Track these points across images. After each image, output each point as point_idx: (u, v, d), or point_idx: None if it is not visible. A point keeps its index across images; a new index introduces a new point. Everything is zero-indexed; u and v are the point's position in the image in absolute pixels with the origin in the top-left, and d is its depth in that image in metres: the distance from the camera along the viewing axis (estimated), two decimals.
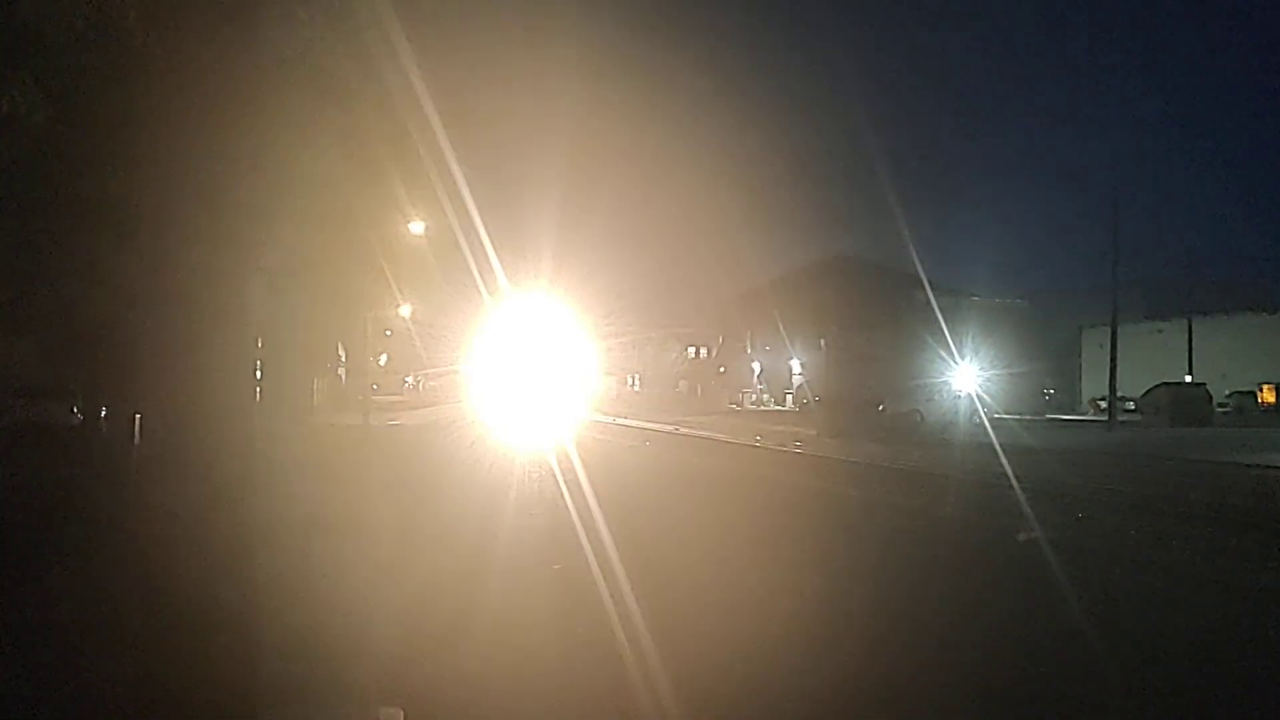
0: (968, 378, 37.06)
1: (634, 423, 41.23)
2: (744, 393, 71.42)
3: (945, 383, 35.39)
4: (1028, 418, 43.40)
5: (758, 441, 27.87)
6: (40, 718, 4.89)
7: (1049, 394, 59.71)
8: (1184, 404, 40.34)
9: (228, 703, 3.20)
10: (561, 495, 13.07)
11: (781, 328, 59.77)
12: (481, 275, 25.22)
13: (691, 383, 74.27)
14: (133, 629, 3.80)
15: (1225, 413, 45.05)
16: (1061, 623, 6.62)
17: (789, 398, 61.36)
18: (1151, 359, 55.23)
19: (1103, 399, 45.59)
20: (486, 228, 20.86)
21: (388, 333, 42.79)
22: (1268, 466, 18.74)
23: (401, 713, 4.73)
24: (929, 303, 42.03)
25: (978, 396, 36.15)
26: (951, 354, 36.96)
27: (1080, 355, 65.29)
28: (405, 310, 33.02)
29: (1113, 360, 40.60)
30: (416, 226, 21.11)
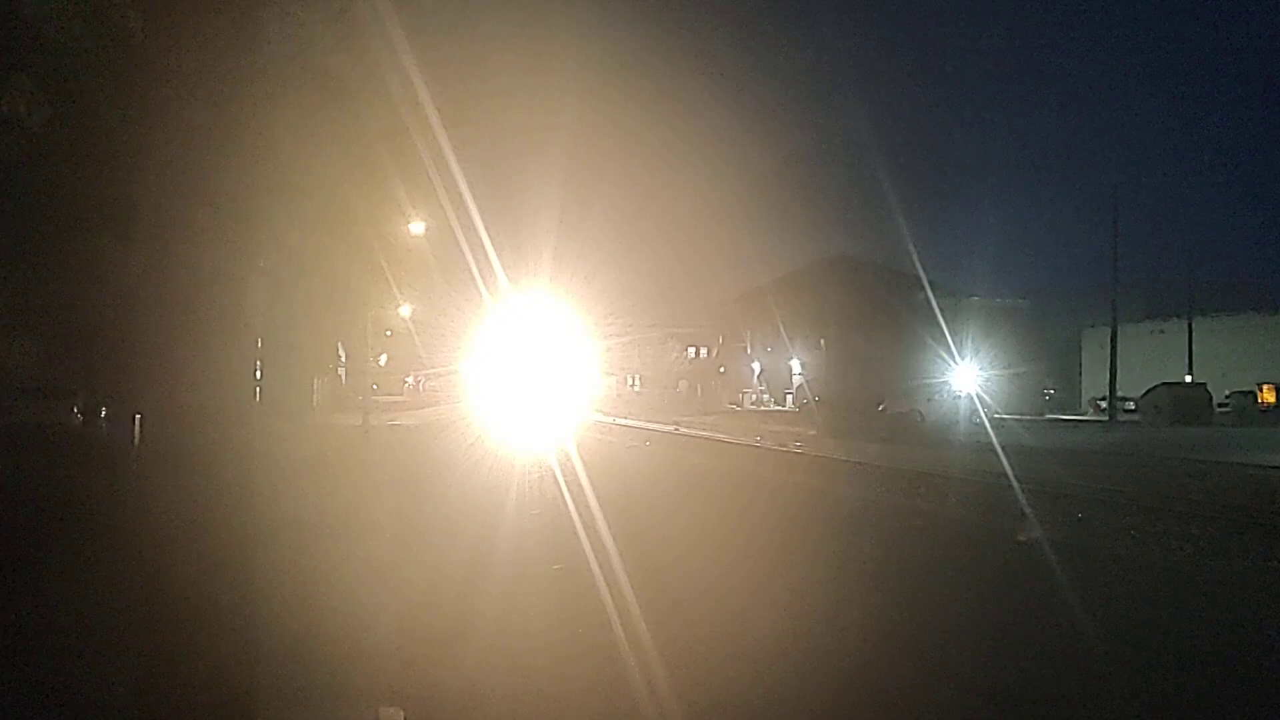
0: (968, 378, 37.07)
1: (634, 423, 41.22)
2: (744, 393, 71.37)
3: (945, 383, 35.40)
4: (1028, 418, 43.38)
5: (758, 441, 27.86)
6: (40, 718, 4.89)
7: (1049, 394, 59.66)
8: (1184, 404, 40.32)
9: (227, 703, 3.20)
10: (562, 495, 13.06)
11: (781, 328, 59.72)
12: (481, 275, 25.23)
13: (691, 383, 74.22)
14: (132, 630, 3.80)
15: (1225, 413, 44.98)
16: (1062, 623, 6.61)
17: (789, 398, 61.31)
18: (1151, 359, 55.22)
19: (1103, 399, 45.59)
20: (486, 227, 20.88)
21: (388, 333, 42.74)
22: (1268, 466, 18.73)
23: (401, 713, 4.73)
24: (929, 303, 42.01)
25: (978, 396, 36.15)
26: (951, 354, 36.99)
27: (1080, 355, 65.27)
28: (405, 310, 33.01)
29: (1113, 360, 40.63)
30: (416, 226, 21.10)
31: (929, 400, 34.34)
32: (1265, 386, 51.10)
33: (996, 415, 37.07)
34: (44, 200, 10.13)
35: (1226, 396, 46.68)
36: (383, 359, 56.30)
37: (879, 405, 32.84)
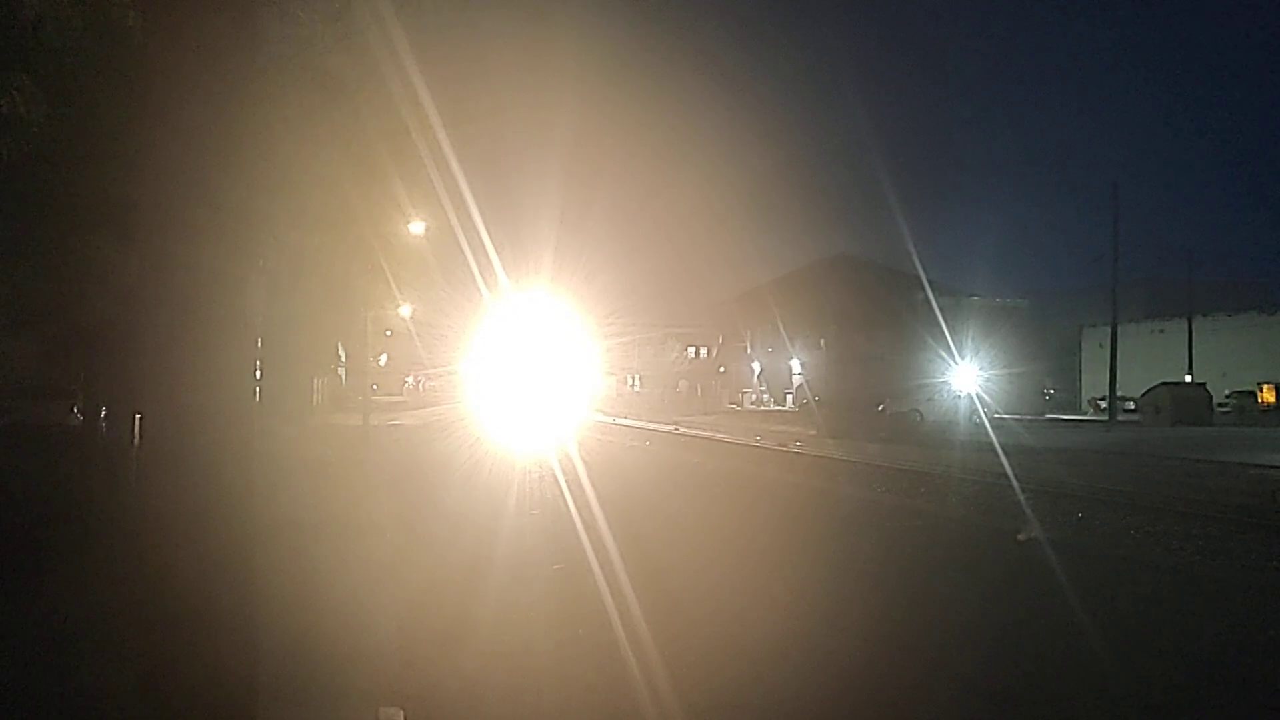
0: (968, 378, 37.08)
1: (634, 422, 41.23)
2: (744, 393, 71.37)
3: (945, 383, 35.41)
4: (1028, 417, 43.38)
5: (758, 441, 27.86)
6: (40, 718, 4.89)
7: (1049, 394, 59.68)
8: (1184, 404, 40.32)
9: (227, 704, 3.19)
10: (562, 495, 13.06)
11: (781, 328, 59.72)
12: (482, 275, 25.20)
13: (691, 383, 74.22)
14: (132, 629, 3.79)
15: (1225, 412, 45.02)
16: (1062, 623, 6.61)
17: (789, 398, 61.29)
18: (1151, 359, 55.24)
19: (1103, 399, 45.61)
20: (487, 227, 20.86)
21: (388, 333, 42.74)
22: (1268, 466, 18.73)
23: (401, 713, 4.73)
24: (929, 303, 42.03)
25: (978, 396, 36.17)
26: (951, 354, 37.00)
27: (1080, 355, 65.30)
28: (405, 310, 32.97)
29: (1113, 360, 40.62)
30: (416, 226, 21.07)
31: (929, 400, 34.36)
32: (1265, 386, 51.11)
33: (996, 415, 37.09)
34: (44, 200, 10.12)
35: (1226, 396, 46.71)
36: (383, 359, 56.33)
37: (879, 405, 32.84)
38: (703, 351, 79.28)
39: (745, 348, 72.21)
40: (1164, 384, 43.02)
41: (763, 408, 64.32)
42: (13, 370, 21.93)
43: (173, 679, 3.15)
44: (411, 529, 10.81)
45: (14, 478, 12.87)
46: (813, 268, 66.05)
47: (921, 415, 33.66)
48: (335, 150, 12.06)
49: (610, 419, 44.42)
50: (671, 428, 35.68)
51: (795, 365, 60.13)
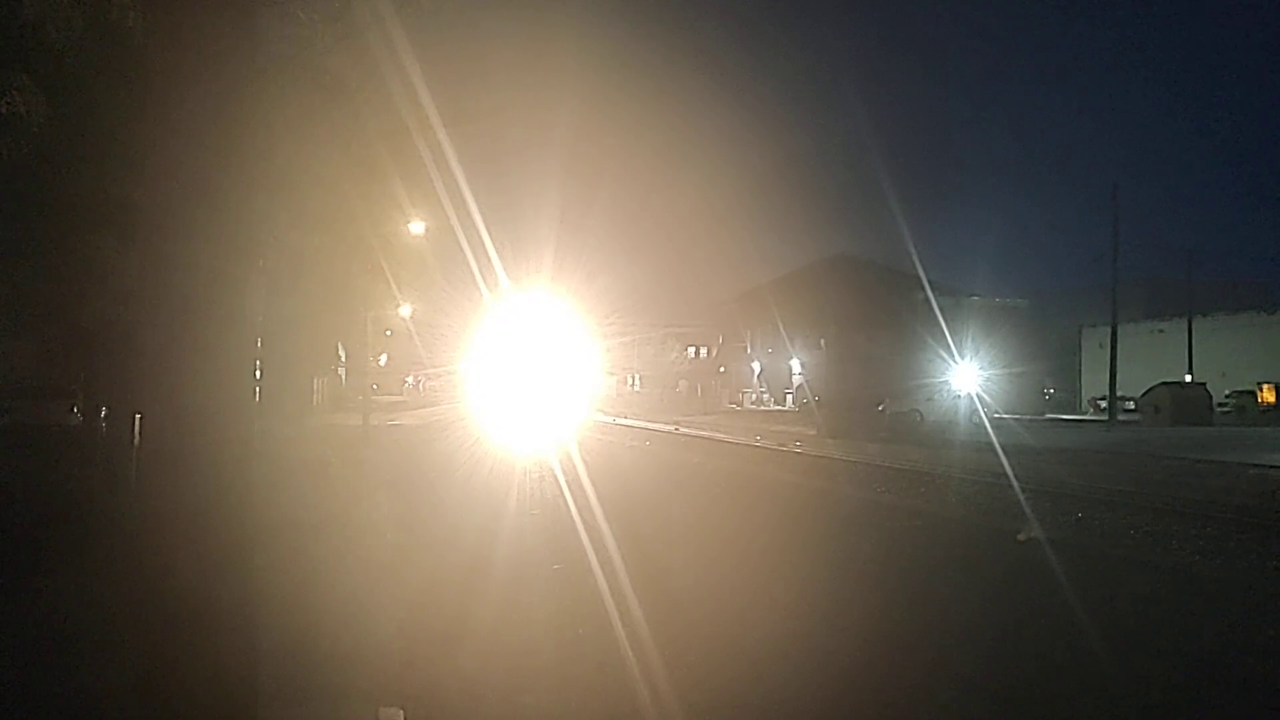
0: (968, 377, 37.10)
1: (634, 422, 41.24)
2: (744, 393, 71.38)
3: (945, 383, 35.43)
4: (1028, 417, 43.39)
5: (758, 441, 27.87)
6: (40, 718, 4.89)
7: (1049, 393, 59.71)
8: (1184, 403, 40.33)
9: (227, 704, 3.19)
10: (562, 495, 13.06)
11: (781, 328, 59.73)
12: (482, 275, 25.22)
13: (692, 383, 74.21)
14: (132, 629, 3.79)
15: (1225, 412, 45.00)
16: (1062, 623, 6.61)
17: (789, 398, 61.30)
18: (1151, 358, 55.22)
19: (1103, 398, 45.59)
20: (487, 227, 20.87)
21: (388, 333, 42.74)
22: (1268, 466, 18.73)
23: (401, 713, 4.73)
24: (929, 303, 42.04)
25: (978, 396, 36.18)
26: (951, 354, 37.01)
27: (1080, 355, 65.29)
28: (405, 310, 32.98)
29: (1113, 360, 40.62)
30: (416, 226, 21.08)
31: (929, 400, 34.38)
32: (1265, 386, 51.08)
33: (996, 415, 37.09)
34: (44, 200, 10.13)
35: (1226, 396, 46.70)
36: (383, 359, 56.32)
37: (879, 405, 32.85)
38: (703, 351, 79.29)
39: (745, 348, 72.22)
40: (1164, 384, 43.03)
41: (763, 408, 64.33)
42: (13, 370, 21.94)
43: (172, 679, 3.15)
44: (411, 529, 10.82)
45: (14, 478, 12.87)
46: (813, 268, 66.05)
47: (921, 415, 33.67)
48: (335, 150, 12.07)
49: (610, 419, 44.43)
50: (671, 427, 35.69)
51: (795, 365, 60.15)
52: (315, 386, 38.28)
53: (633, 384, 78.01)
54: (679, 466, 20.69)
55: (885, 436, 29.71)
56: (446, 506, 13.05)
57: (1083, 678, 5.48)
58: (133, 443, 9.26)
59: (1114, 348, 40.66)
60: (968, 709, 4.99)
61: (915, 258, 62.16)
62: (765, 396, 68.95)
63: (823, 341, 53.15)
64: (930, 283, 45.29)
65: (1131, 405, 44.67)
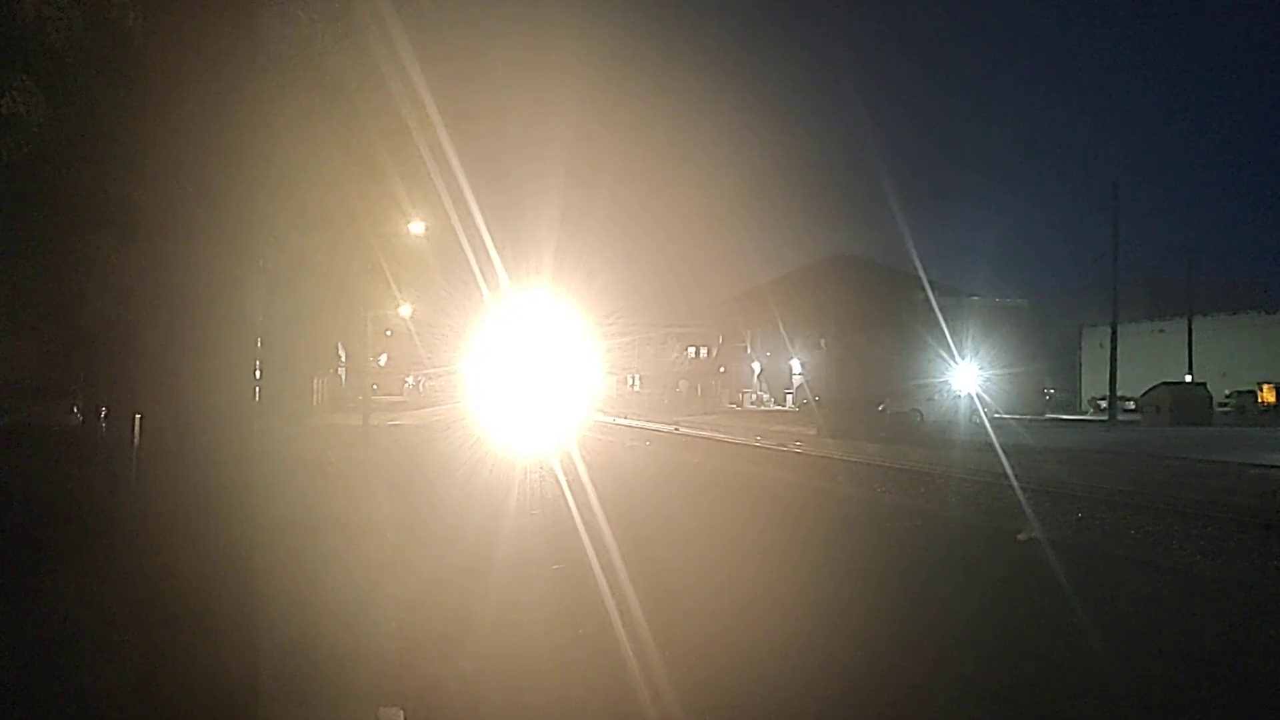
0: (968, 377, 37.09)
1: (634, 422, 41.24)
2: (744, 393, 71.39)
3: (945, 382, 35.41)
4: (1028, 417, 43.39)
5: (758, 441, 27.87)
6: (40, 718, 4.89)
7: (1049, 393, 59.69)
8: (1184, 403, 40.33)
9: (227, 704, 3.19)
10: (563, 495, 13.05)
11: (781, 328, 59.73)
12: (482, 275, 25.19)
13: (692, 383, 74.20)
14: (131, 629, 3.79)
15: (1225, 412, 44.99)
16: (1063, 623, 6.61)
17: (789, 398, 61.32)
18: (1151, 358, 55.22)
19: (1103, 398, 45.59)
20: (487, 227, 20.86)
21: (388, 333, 42.75)
22: (1268, 466, 18.73)
23: (401, 713, 4.72)
24: (929, 303, 42.06)
25: (978, 396, 36.18)
26: (951, 354, 37.00)
27: (1080, 355, 65.29)
28: (405, 310, 32.98)
29: (1113, 360, 40.61)
30: (416, 226, 21.09)
31: (929, 400, 34.38)
32: (1265, 386, 51.07)
33: (996, 415, 37.09)
34: (44, 200, 10.13)
35: (1227, 396, 46.69)
36: (383, 359, 56.33)
37: (879, 405, 32.85)
38: (703, 351, 79.29)
39: (745, 348, 72.23)
40: (1164, 384, 43.03)
41: (763, 408, 64.34)
42: (13, 370, 21.93)
43: (172, 679, 3.15)
44: (411, 529, 10.81)
45: (14, 478, 12.87)
46: (813, 268, 66.08)
47: (921, 415, 33.67)
48: (335, 150, 12.07)
49: (611, 419, 44.44)
50: (672, 428, 35.69)
51: (795, 365, 60.15)
52: (315, 386, 38.29)
53: (633, 384, 78.00)
54: (679, 466, 20.69)
55: (885, 436, 29.71)
56: (447, 506, 13.04)
57: (1083, 678, 5.47)
58: (133, 443, 9.27)
59: (1114, 348, 40.65)
60: (969, 709, 4.99)
61: (915, 258, 62.21)
62: (765, 396, 68.97)
63: (823, 341, 53.17)
64: (930, 283, 45.35)
65: (1132, 405, 44.67)
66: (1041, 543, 9.70)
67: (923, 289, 44.53)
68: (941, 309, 40.36)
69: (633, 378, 78.55)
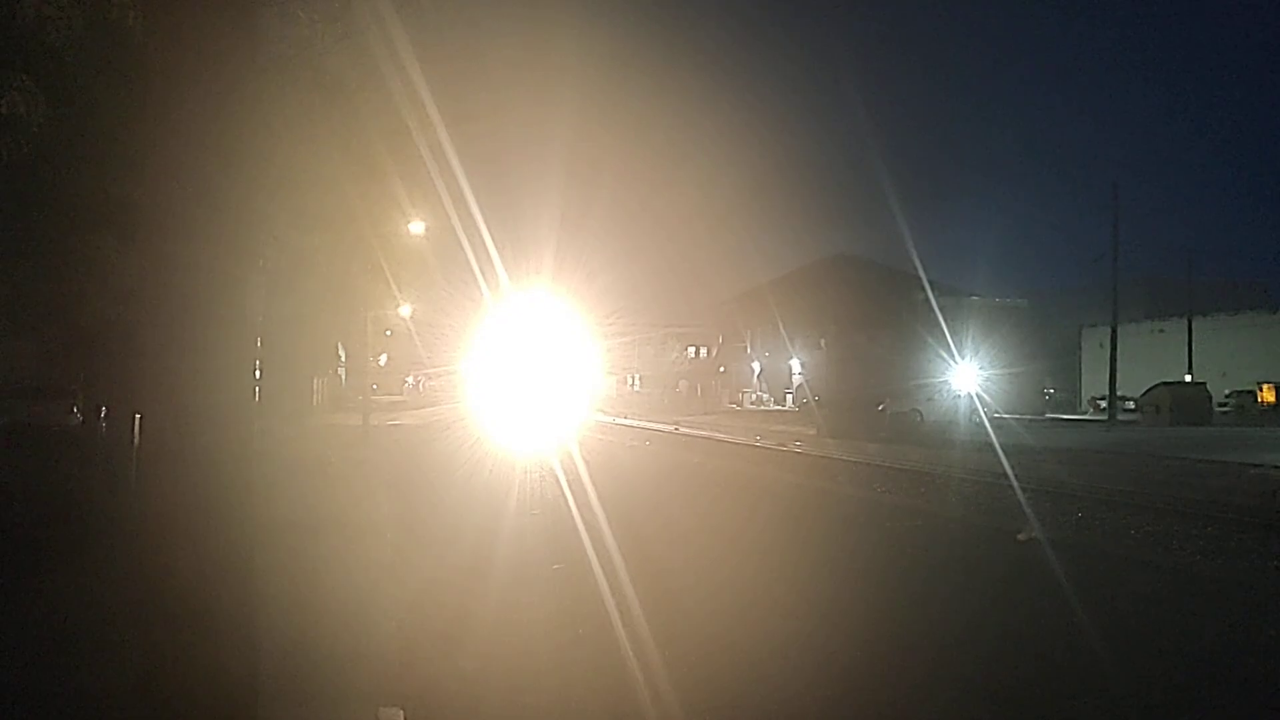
0: (968, 377, 37.08)
1: (634, 422, 41.25)
2: (744, 392, 71.41)
3: (945, 382, 35.40)
4: (1028, 417, 43.39)
5: (758, 441, 27.87)
6: (40, 718, 4.89)
7: (1049, 393, 59.71)
8: (1184, 403, 40.34)
9: (227, 704, 3.19)
10: (563, 495, 13.05)
11: (781, 328, 59.75)
12: (483, 275, 25.20)
13: (691, 382, 74.20)
14: (131, 629, 3.80)
15: (1225, 412, 45.04)
16: (1063, 623, 6.61)
17: (789, 398, 61.33)
18: (1151, 358, 55.25)
19: (1103, 398, 45.60)
20: (487, 227, 20.86)
21: (388, 333, 42.75)
22: (1268, 466, 18.72)
23: (401, 713, 4.72)
24: (929, 303, 42.07)
25: (978, 396, 36.17)
26: (951, 354, 37.00)
27: (1080, 355, 65.32)
28: (405, 310, 32.98)
29: (1113, 360, 40.61)
30: (416, 226, 21.10)
31: (929, 400, 34.37)
32: (1265, 386, 51.10)
33: (996, 415, 37.09)
34: (44, 200, 10.14)
35: (1226, 396, 46.72)
36: (383, 359, 56.33)
37: (879, 405, 32.84)
38: (703, 351, 79.29)
39: (745, 348, 72.24)
40: (1164, 384, 43.05)
41: (763, 407, 64.35)
42: (13, 370, 21.93)
43: (173, 679, 3.15)
44: (412, 529, 10.81)
45: (14, 478, 12.87)
46: (813, 268, 66.11)
47: (921, 415, 33.67)
48: (335, 150, 12.08)
49: (611, 419, 44.45)
50: (672, 427, 35.69)
51: (795, 365, 60.15)
52: (315, 386, 38.29)
53: (633, 384, 78.00)
54: (679, 466, 20.69)
55: (885, 436, 29.71)
56: (447, 506, 13.04)
57: (1083, 678, 5.47)
58: (133, 443, 9.27)
59: (1114, 348, 40.66)
60: (969, 709, 4.99)
61: (915, 258, 62.26)
62: (765, 396, 68.98)
63: (823, 341, 53.18)
64: (930, 283, 45.38)
65: (1132, 405, 44.68)
66: (1041, 543, 9.70)
67: (923, 289, 44.56)
68: (941, 309, 40.37)
69: (633, 378, 78.54)
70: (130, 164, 8.42)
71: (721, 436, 30.46)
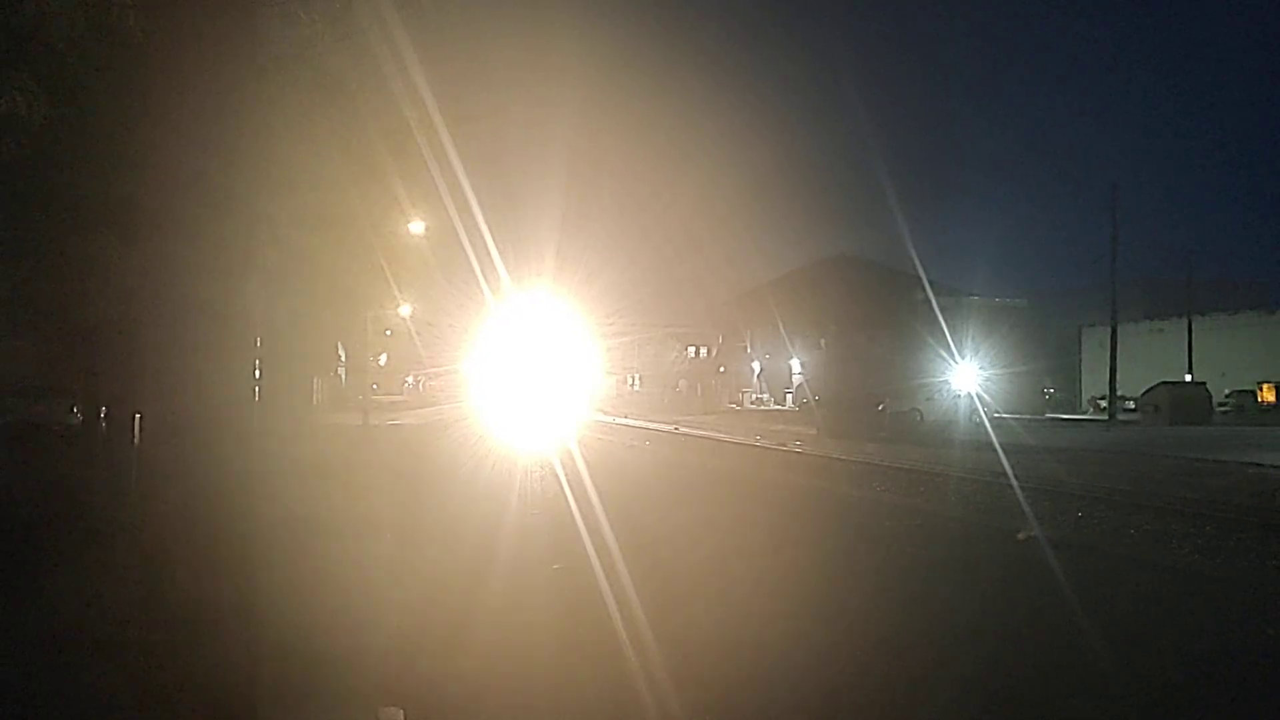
0: (967, 377, 37.08)
1: (635, 422, 41.25)
2: (744, 392, 71.42)
3: (945, 382, 35.40)
4: (1028, 417, 43.41)
5: (758, 441, 27.88)
6: (40, 719, 4.89)
7: (1049, 393, 59.74)
8: (1184, 403, 40.36)
9: (228, 704, 3.20)
10: (563, 494, 13.05)
11: (781, 328, 59.77)
12: (483, 274, 25.19)
13: (691, 382, 74.20)
14: (132, 630, 3.81)
15: (1225, 412, 45.05)
16: (1062, 622, 6.61)
17: (789, 397, 61.33)
18: (1151, 358, 55.29)
19: (1103, 398, 45.63)
20: (488, 226, 20.86)
21: (388, 333, 42.78)
22: (1267, 465, 18.73)
23: (401, 713, 4.72)
24: (929, 302, 42.08)
25: (977, 396, 36.18)
26: (951, 353, 36.99)
27: (1080, 354, 65.33)
28: (405, 310, 33.01)
29: (1113, 359, 40.65)
30: (417, 226, 21.11)
31: (929, 399, 34.37)
32: (1265, 385, 51.11)
33: (996, 414, 37.11)
34: (44, 200, 10.15)
35: (1226, 395, 46.74)
36: (383, 359, 56.33)
37: (879, 405, 32.85)
38: (703, 351, 79.28)
39: (745, 348, 72.25)
40: (1164, 383, 43.07)
41: (763, 407, 64.36)
42: (13, 370, 21.95)
43: (173, 678, 3.16)
44: (412, 529, 10.80)
45: (14, 477, 12.88)
46: (813, 268, 66.12)
47: (921, 415, 33.67)
48: (335, 150, 12.08)
49: (611, 418, 44.46)
50: (672, 427, 35.70)
51: (795, 365, 60.16)
52: (315, 386, 38.30)
53: (633, 384, 78.00)
54: (679, 466, 20.69)
55: (885, 436, 29.72)
56: (447, 506, 13.04)
57: (1083, 677, 5.48)
58: (133, 443, 9.28)
59: (1114, 347, 40.68)
60: (968, 708, 4.99)
61: (915, 258, 62.36)
62: (765, 396, 68.98)
63: (823, 341, 53.17)
64: (930, 282, 45.43)
65: (1131, 405, 44.71)
66: (1041, 542, 9.70)
67: (923, 289, 44.59)
68: (941, 309, 40.38)
69: (633, 377, 78.54)
70: (131, 164, 8.43)
71: (721, 436, 30.46)
